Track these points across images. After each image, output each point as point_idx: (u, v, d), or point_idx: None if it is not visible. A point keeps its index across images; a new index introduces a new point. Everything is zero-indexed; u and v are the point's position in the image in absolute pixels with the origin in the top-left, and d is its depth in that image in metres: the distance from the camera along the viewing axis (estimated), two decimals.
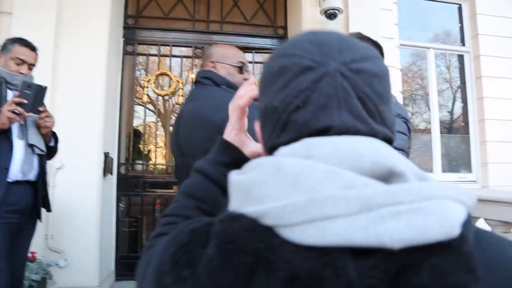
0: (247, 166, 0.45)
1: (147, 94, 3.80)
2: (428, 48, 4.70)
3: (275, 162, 0.40)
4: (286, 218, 0.35)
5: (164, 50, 3.91)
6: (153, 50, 3.96)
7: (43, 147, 2.06)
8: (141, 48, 3.91)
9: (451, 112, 4.95)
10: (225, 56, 1.56)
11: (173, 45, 3.89)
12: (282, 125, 0.45)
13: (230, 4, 4.08)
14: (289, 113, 0.44)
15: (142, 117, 4.17)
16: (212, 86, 1.49)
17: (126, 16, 3.81)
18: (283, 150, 0.43)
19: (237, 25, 4.07)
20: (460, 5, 4.82)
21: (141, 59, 4.00)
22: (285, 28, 4.12)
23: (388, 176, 0.38)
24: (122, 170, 3.70)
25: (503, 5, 4.67)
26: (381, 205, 0.34)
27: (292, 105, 0.43)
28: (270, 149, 0.48)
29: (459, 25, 4.87)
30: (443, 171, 4.43)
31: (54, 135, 2.17)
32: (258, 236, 0.36)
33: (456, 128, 4.86)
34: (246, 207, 0.39)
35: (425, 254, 0.34)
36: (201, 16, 4.02)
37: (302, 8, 3.62)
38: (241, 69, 1.55)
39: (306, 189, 0.36)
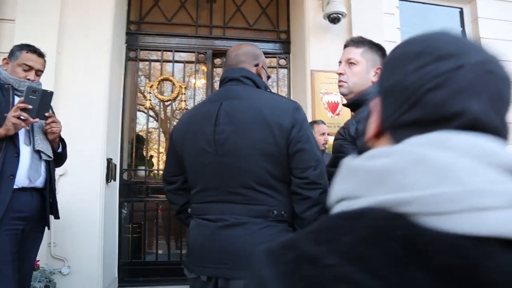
0: (371, 153, 0.44)
1: (150, 100, 3.79)
2: None
3: (414, 152, 0.40)
4: (439, 206, 0.35)
5: (166, 55, 3.91)
6: (154, 55, 3.95)
7: (50, 153, 2.03)
8: (143, 54, 3.91)
9: None
10: (266, 63, 1.59)
11: (176, 51, 3.89)
12: (412, 102, 0.46)
13: (233, 9, 4.09)
14: (422, 92, 0.45)
15: (144, 122, 4.16)
16: (254, 88, 1.48)
17: (129, 22, 3.81)
18: (415, 140, 0.43)
19: (240, 30, 4.07)
20: (461, 9, 4.83)
21: (143, 65, 3.99)
22: (287, 33, 4.13)
23: None
24: (125, 176, 3.68)
25: (504, 9, 4.68)
26: None
27: (427, 86, 0.44)
28: (390, 125, 0.49)
29: (461, 29, 4.87)
30: None
31: (62, 141, 2.15)
32: (402, 224, 0.36)
33: None
34: (376, 194, 0.39)
35: None
36: (203, 21, 4.02)
37: (305, 12, 3.62)
38: (268, 78, 1.63)
39: (454, 180, 0.36)
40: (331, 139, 3.24)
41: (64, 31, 3.09)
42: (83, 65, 3.11)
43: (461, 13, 4.85)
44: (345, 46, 1.71)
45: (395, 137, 0.48)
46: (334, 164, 1.60)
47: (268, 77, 1.61)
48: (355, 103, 1.62)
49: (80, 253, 2.94)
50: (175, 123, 4.39)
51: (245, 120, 1.37)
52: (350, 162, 0.46)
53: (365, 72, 1.60)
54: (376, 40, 3.34)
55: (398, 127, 0.48)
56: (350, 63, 1.63)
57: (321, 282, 0.33)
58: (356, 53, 1.63)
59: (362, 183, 0.42)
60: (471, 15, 4.76)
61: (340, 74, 1.66)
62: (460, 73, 0.44)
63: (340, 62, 1.69)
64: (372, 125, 0.53)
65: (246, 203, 1.37)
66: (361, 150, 1.46)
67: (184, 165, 1.52)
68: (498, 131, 0.44)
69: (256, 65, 1.53)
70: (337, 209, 0.44)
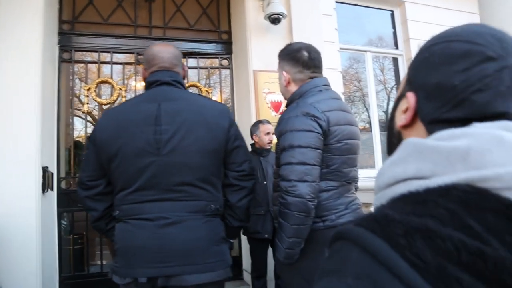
0: (444, 134, 0.47)
1: (87, 103, 3.60)
2: (366, 51, 4.95)
3: (492, 133, 0.43)
4: None
5: (103, 57, 3.73)
6: (90, 57, 3.77)
7: None
8: (78, 55, 3.71)
9: (386, 112, 5.25)
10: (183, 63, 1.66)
11: (114, 52, 3.73)
12: (457, 102, 0.49)
13: (172, 9, 4.01)
14: (469, 93, 0.48)
15: (82, 127, 3.96)
16: (184, 90, 1.59)
17: (61, 21, 3.59)
18: (488, 124, 0.46)
19: (180, 31, 4.00)
20: (392, 11, 5.15)
21: (78, 66, 3.78)
22: (229, 33, 4.13)
23: None
24: (63, 185, 3.47)
25: (431, 13, 5.06)
26: None
27: (474, 87, 0.48)
28: (430, 121, 0.52)
29: (392, 30, 5.19)
30: None
31: None
32: (489, 197, 0.39)
33: None
34: (458, 172, 0.42)
35: None
36: (142, 22, 3.90)
37: (246, 13, 3.65)
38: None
39: None
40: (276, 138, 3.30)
41: None
42: (11, 67, 2.88)
43: (392, 15, 5.16)
44: None
45: (430, 129, 0.52)
46: (276, 164, 1.69)
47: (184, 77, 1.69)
48: (287, 106, 1.74)
49: (14, 270, 2.72)
50: None
51: (187, 120, 1.45)
52: (419, 142, 0.48)
53: (280, 80, 1.74)
54: (315, 40, 3.48)
55: (438, 122, 0.51)
56: None
57: (442, 252, 0.36)
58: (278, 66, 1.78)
59: (440, 162, 0.44)
60: (401, 17, 5.08)
61: None
62: (502, 76, 0.48)
63: None
64: (406, 115, 0.55)
65: (186, 200, 1.44)
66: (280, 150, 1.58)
67: (110, 168, 1.48)
68: None
69: (182, 68, 1.62)
70: (408, 187, 0.45)
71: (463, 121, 0.48)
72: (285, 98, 1.77)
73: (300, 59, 1.66)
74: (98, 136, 1.49)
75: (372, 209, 0.53)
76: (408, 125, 0.56)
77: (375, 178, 0.54)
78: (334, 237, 0.46)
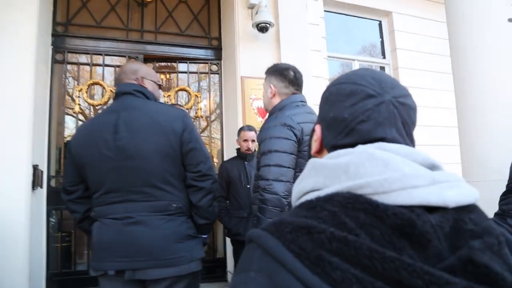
0: (333, 154, 0.61)
1: (79, 104, 3.69)
2: (354, 60, 5.08)
3: (367, 151, 0.57)
4: (386, 187, 0.52)
5: (96, 59, 3.83)
6: (82, 59, 3.85)
7: None
8: (71, 57, 3.79)
9: None
10: (151, 74, 1.81)
11: (106, 54, 3.83)
12: (348, 131, 0.63)
13: (164, 14, 4.11)
14: (355, 123, 0.62)
15: (73, 127, 4.04)
16: (145, 99, 1.71)
17: (55, 23, 3.68)
18: (362, 147, 0.60)
19: (171, 36, 4.11)
20: (380, 21, 5.28)
21: (71, 68, 3.87)
22: (219, 39, 4.23)
23: (431, 167, 0.58)
24: (53, 183, 3.55)
25: (417, 24, 5.20)
26: (441, 181, 0.54)
27: (358, 119, 0.62)
28: (331, 147, 0.66)
29: (380, 39, 5.32)
30: None
31: None
32: (361, 200, 0.52)
33: None
34: (341, 182, 0.55)
35: (466, 211, 0.54)
36: (134, 26, 4.00)
37: (235, 21, 3.76)
38: (160, 86, 1.86)
39: (394, 169, 0.54)
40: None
41: None
42: (5, 66, 2.97)
43: (380, 25, 5.29)
44: None
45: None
46: (258, 168, 1.88)
47: (159, 85, 1.85)
48: (269, 117, 1.97)
49: (1, 266, 2.79)
50: None
51: (142, 127, 1.60)
52: (316, 161, 0.62)
53: (265, 92, 1.99)
54: (301, 49, 3.60)
55: (336, 147, 0.65)
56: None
57: (318, 243, 0.48)
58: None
59: (329, 175, 0.58)
60: (388, 28, 5.22)
61: None
62: (380, 109, 0.62)
63: None
64: (315, 144, 0.71)
65: (148, 200, 1.58)
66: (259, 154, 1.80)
67: (84, 174, 1.63)
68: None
69: (136, 79, 1.74)
70: (307, 197, 0.58)
71: (354, 145, 0.61)
72: (266, 110, 2.01)
73: (287, 76, 1.93)
74: (72, 146, 1.66)
75: None
76: (318, 152, 0.71)
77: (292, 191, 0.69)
78: (247, 240, 0.57)
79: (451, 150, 4.94)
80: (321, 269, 0.46)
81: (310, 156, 0.74)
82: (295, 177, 1.74)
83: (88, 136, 1.63)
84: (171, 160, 1.62)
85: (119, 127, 1.59)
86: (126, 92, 1.69)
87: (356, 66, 5.07)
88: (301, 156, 1.78)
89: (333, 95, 0.68)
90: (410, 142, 0.65)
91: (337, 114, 0.65)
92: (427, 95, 5.10)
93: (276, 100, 1.92)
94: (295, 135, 1.74)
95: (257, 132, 3.29)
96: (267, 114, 1.98)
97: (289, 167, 1.72)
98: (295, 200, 0.63)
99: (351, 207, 0.51)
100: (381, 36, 5.30)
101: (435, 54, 5.19)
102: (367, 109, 0.62)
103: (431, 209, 0.52)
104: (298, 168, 1.76)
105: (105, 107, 3.87)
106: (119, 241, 1.54)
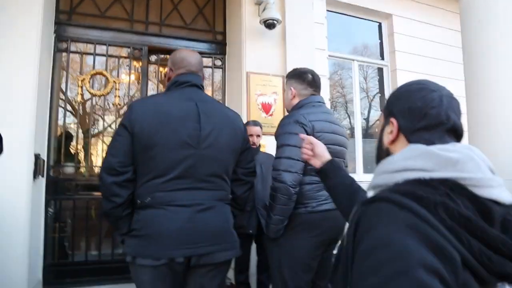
0: (445, 148, 0.78)
1: (81, 94, 3.65)
2: (353, 60, 5.14)
3: (469, 154, 0.76)
4: (481, 183, 0.72)
5: (99, 49, 3.79)
6: (85, 48, 3.81)
7: None
8: (74, 46, 3.74)
9: (367, 119, 5.47)
10: None
11: (110, 45, 3.79)
12: (422, 115, 0.84)
13: (169, 7, 4.09)
14: (428, 109, 0.84)
15: (73, 117, 4.00)
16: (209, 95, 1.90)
17: (58, 11, 3.63)
18: (463, 145, 0.81)
19: (176, 28, 4.09)
20: (380, 23, 5.35)
21: (73, 57, 3.82)
22: (223, 34, 4.24)
23: (492, 171, 0.78)
24: (52, 173, 3.50)
25: (417, 27, 5.28)
26: (501, 185, 0.75)
27: (429, 106, 0.84)
28: (408, 132, 0.86)
29: (379, 41, 5.40)
30: (365, 172, 4.86)
31: None
32: (464, 189, 0.71)
33: (370, 134, 5.37)
34: (447, 171, 0.73)
35: (510, 209, 0.73)
36: (139, 17, 3.97)
37: (242, 16, 3.77)
38: None
39: (482, 172, 0.74)
40: (266, 140, 3.42)
41: None
42: (8, 54, 2.92)
43: (380, 27, 5.36)
44: None
45: (412, 138, 0.85)
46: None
47: None
48: None
49: (2, 255, 2.75)
50: (108, 119, 4.30)
51: (219, 120, 1.68)
52: (428, 148, 0.78)
53: (286, 95, 2.19)
54: (306, 47, 3.63)
55: (413, 132, 0.85)
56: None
57: (451, 215, 0.66)
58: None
59: (439, 163, 0.75)
60: (388, 30, 5.29)
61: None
62: (442, 99, 0.84)
63: None
64: (391, 135, 0.89)
65: (214, 189, 1.65)
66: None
67: (148, 155, 1.56)
68: (462, 132, 0.87)
69: (201, 72, 1.83)
70: (415, 174, 0.75)
71: (428, 128, 0.84)
72: (287, 110, 2.22)
73: (306, 79, 2.12)
74: (138, 125, 1.55)
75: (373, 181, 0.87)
76: (393, 141, 0.89)
77: (381, 165, 0.86)
78: (373, 199, 0.74)
79: None
80: (457, 236, 0.64)
81: (380, 148, 0.94)
82: (305, 169, 1.92)
83: (161, 118, 1.57)
84: (235, 154, 1.76)
85: (201, 117, 1.63)
86: (196, 84, 1.74)
87: (355, 66, 5.14)
88: None
89: (405, 92, 0.90)
90: (460, 126, 0.86)
91: (412, 105, 0.86)
92: None
93: (296, 101, 2.11)
94: (306, 131, 1.91)
95: (262, 128, 3.32)
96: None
97: (298, 160, 1.86)
98: (393, 171, 0.80)
99: (458, 192, 0.70)
100: (380, 38, 5.38)
101: (433, 57, 5.29)
102: (434, 99, 0.84)
103: (495, 203, 0.72)
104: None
105: (107, 97, 3.84)
106: (190, 228, 1.54)
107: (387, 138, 0.90)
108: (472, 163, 0.74)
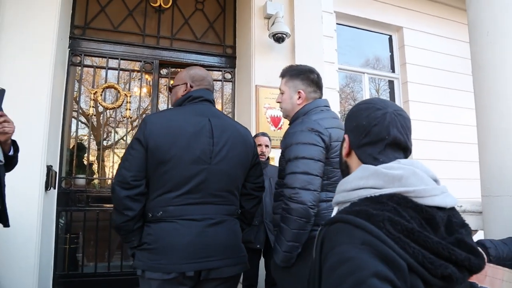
0: (390, 166, 0.87)
1: (93, 107, 3.71)
2: (363, 73, 5.13)
3: (412, 169, 0.86)
4: (423, 194, 0.82)
5: (111, 63, 3.86)
6: (98, 62, 3.89)
7: (1, 156, 1.94)
8: (87, 60, 3.83)
9: None
10: None
11: (122, 59, 3.86)
12: (366, 133, 0.94)
13: (180, 21, 4.16)
14: (371, 127, 0.93)
15: (86, 129, 4.06)
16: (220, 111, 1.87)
17: (73, 26, 3.72)
18: (406, 161, 0.90)
19: (187, 42, 4.15)
20: (390, 36, 5.35)
21: (87, 70, 3.90)
22: (233, 48, 4.28)
23: (435, 180, 0.88)
24: (63, 184, 3.55)
25: (427, 39, 5.27)
26: (444, 192, 0.85)
27: (372, 123, 0.93)
28: (355, 146, 0.96)
29: (390, 53, 5.39)
30: None
31: (14, 143, 2.04)
32: (408, 201, 0.81)
33: None
34: (394, 187, 0.83)
35: (453, 210, 0.86)
36: (151, 31, 4.05)
37: (252, 30, 3.81)
38: None
39: (425, 183, 0.84)
40: (274, 153, 3.42)
41: (3, 30, 2.97)
42: (24, 67, 3.00)
43: (390, 39, 5.36)
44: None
45: (358, 152, 0.96)
46: (279, 176, 1.88)
47: None
48: (292, 122, 1.90)
49: (13, 266, 2.79)
50: (120, 131, 4.36)
51: (231, 136, 1.73)
52: (377, 169, 0.87)
53: (289, 98, 1.89)
54: (316, 60, 3.63)
55: (359, 147, 0.96)
56: (280, 92, 1.94)
57: (398, 229, 0.74)
58: (282, 83, 1.94)
59: (388, 181, 0.84)
60: (398, 42, 5.28)
61: (278, 102, 1.97)
62: (386, 116, 0.93)
63: None
64: (345, 149, 1.00)
65: (224, 204, 1.66)
66: (285, 162, 1.74)
67: (161, 170, 1.57)
68: (407, 145, 0.95)
69: (212, 88, 1.86)
70: (369, 192, 0.85)
71: (370, 144, 0.93)
72: (287, 114, 1.91)
73: (313, 80, 1.86)
74: (152, 140, 1.57)
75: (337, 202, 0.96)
76: (347, 154, 1.00)
77: (340, 185, 0.95)
78: (333, 221, 0.82)
79: (452, 165, 4.96)
80: (402, 246, 0.72)
81: (341, 159, 1.04)
82: (322, 186, 1.66)
83: (175, 133, 1.59)
84: (244, 170, 1.77)
85: (214, 132, 1.65)
86: (207, 99, 1.77)
87: (365, 79, 5.13)
88: (329, 163, 1.70)
89: (355, 112, 0.99)
90: (408, 140, 0.95)
91: (358, 123, 0.96)
92: (435, 109, 5.15)
93: (301, 105, 1.84)
94: (323, 140, 1.66)
95: (271, 139, 3.32)
96: (290, 120, 1.89)
97: (317, 175, 1.63)
98: (350, 190, 0.89)
99: (404, 204, 0.80)
100: (391, 51, 5.37)
101: (444, 70, 5.26)
102: (377, 117, 0.93)
103: (439, 208, 0.82)
104: (325, 176, 1.69)
105: (118, 110, 3.90)
106: (200, 242, 1.55)
107: (343, 152, 1.02)
108: (415, 177, 0.84)
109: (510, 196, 1.92)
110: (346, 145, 1.00)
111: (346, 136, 1.00)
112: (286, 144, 1.73)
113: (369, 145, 0.93)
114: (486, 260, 0.82)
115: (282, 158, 1.82)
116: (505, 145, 1.97)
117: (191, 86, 1.79)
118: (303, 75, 1.87)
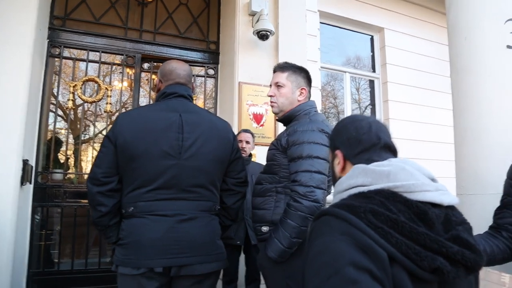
0: (380, 164, 0.92)
1: (72, 100, 3.63)
2: (345, 72, 5.19)
3: (400, 165, 0.89)
4: (413, 189, 0.83)
5: (92, 55, 3.78)
6: (74, 54, 3.80)
7: None
8: (66, 52, 3.73)
9: None
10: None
11: (103, 52, 3.78)
12: (358, 142, 1.01)
13: (164, 15, 4.11)
14: (361, 135, 1.01)
15: (63, 124, 3.97)
16: (197, 105, 1.82)
17: (52, 17, 3.62)
18: (396, 159, 0.95)
19: (170, 37, 4.10)
20: (372, 36, 5.43)
21: (66, 63, 3.81)
22: (217, 44, 4.25)
23: (432, 179, 0.90)
24: (40, 179, 3.46)
25: (408, 41, 5.37)
26: (439, 189, 0.87)
27: (361, 132, 1.01)
28: (350, 157, 1.02)
29: (371, 53, 5.47)
30: None
31: None
32: (397, 195, 0.83)
33: None
34: (382, 183, 0.86)
35: (452, 208, 0.88)
36: (134, 25, 3.98)
37: (236, 27, 3.79)
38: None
39: (415, 178, 0.86)
40: (256, 150, 3.42)
41: None
42: (0, 57, 2.90)
43: (372, 40, 5.44)
44: (274, 71, 1.97)
45: (355, 162, 0.99)
46: (267, 171, 1.85)
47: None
48: (287, 119, 1.88)
49: None
50: (99, 125, 4.28)
51: (204, 131, 1.66)
52: (366, 167, 0.92)
53: (291, 93, 1.87)
54: (299, 58, 3.65)
55: (355, 156, 1.01)
56: (278, 86, 1.89)
57: (381, 220, 0.75)
58: (282, 77, 1.89)
59: (376, 177, 0.88)
60: (380, 43, 5.36)
61: (270, 96, 1.91)
62: (371, 125, 1.02)
63: (270, 85, 1.95)
64: (339, 166, 1.04)
65: (198, 200, 1.64)
66: (290, 158, 1.69)
67: (131, 166, 1.58)
68: (395, 147, 1.03)
69: (190, 83, 1.82)
70: (359, 189, 0.87)
71: (365, 151, 1.00)
72: (281, 109, 1.88)
73: (310, 80, 1.92)
74: (121, 137, 1.59)
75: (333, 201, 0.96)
76: (342, 169, 1.04)
77: (334, 188, 1.00)
78: (320, 214, 0.85)
79: (428, 164, 5.08)
80: (384, 236, 0.73)
81: (334, 177, 1.08)
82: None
83: (144, 130, 1.60)
84: (221, 165, 1.74)
85: (184, 127, 1.63)
86: (182, 95, 1.74)
87: (347, 77, 5.19)
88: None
89: (342, 128, 1.07)
90: (393, 144, 1.03)
91: (349, 136, 1.03)
92: (414, 110, 5.26)
93: (300, 103, 1.85)
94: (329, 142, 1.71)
95: (254, 136, 3.33)
96: (282, 116, 1.88)
97: (327, 176, 1.68)
98: (342, 191, 0.93)
99: (392, 199, 0.82)
100: (372, 51, 5.45)
101: (423, 71, 5.37)
102: (363, 126, 1.02)
103: (434, 205, 0.84)
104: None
105: (98, 104, 3.82)
106: (170, 238, 1.53)
107: (337, 169, 1.06)
108: (404, 173, 0.86)
109: (483, 194, 1.98)
110: (339, 160, 1.04)
111: (338, 152, 1.05)
112: (294, 141, 1.71)
113: (364, 152, 0.99)
114: (484, 258, 0.80)
115: (275, 152, 1.80)
116: (480, 146, 2.03)
117: (161, 82, 1.80)
118: (304, 74, 1.91)
